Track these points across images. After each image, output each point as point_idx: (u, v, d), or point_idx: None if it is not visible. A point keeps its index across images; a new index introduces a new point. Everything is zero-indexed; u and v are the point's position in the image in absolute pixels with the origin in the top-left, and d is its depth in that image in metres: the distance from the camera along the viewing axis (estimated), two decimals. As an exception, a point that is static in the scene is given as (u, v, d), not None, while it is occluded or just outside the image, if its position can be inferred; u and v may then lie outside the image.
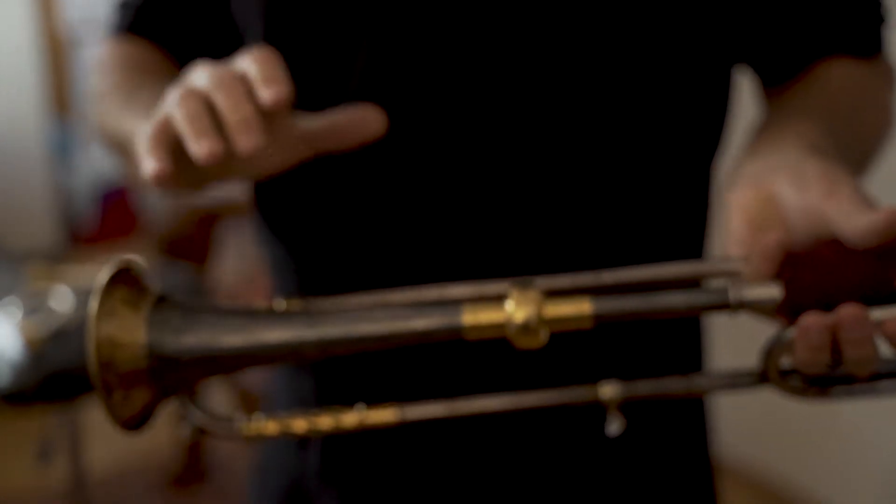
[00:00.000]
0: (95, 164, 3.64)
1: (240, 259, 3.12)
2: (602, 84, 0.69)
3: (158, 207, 2.87)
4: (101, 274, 0.52)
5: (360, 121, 0.65)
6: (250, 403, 2.31)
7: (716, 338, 0.88)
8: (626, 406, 0.55)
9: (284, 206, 0.78)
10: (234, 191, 2.42)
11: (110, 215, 3.72)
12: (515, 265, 0.70)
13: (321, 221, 0.75)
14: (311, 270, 0.78)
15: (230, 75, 0.57)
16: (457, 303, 0.51)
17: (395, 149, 0.70)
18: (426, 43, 0.69)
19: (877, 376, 0.52)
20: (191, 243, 2.53)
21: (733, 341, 1.27)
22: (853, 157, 0.67)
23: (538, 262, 0.70)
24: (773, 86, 0.77)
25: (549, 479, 0.78)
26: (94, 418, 0.46)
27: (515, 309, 0.49)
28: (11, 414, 1.84)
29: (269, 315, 0.52)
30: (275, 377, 0.90)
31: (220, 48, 0.75)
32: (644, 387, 0.54)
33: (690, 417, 0.83)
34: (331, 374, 0.79)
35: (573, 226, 0.72)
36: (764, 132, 0.67)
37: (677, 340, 0.81)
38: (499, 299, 0.50)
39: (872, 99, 0.74)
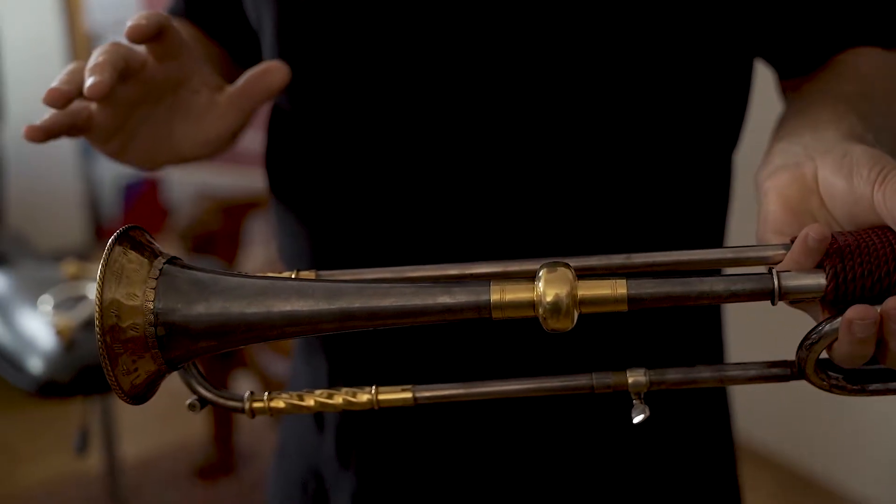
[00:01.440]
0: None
1: (268, 251, 3.09)
2: (625, 74, 0.66)
3: (185, 202, 2.82)
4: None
5: (265, 72, 0.68)
6: (273, 390, 2.29)
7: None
8: (650, 391, 0.51)
9: (298, 199, 0.76)
10: (260, 182, 2.39)
11: (136, 212, 3.74)
12: (537, 252, 0.67)
13: (334, 213, 0.73)
14: (324, 263, 0.75)
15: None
16: (484, 280, 0.46)
17: (407, 138, 0.68)
18: (437, 30, 0.66)
19: None
20: (219, 237, 2.47)
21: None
22: (888, 142, 0.64)
23: (560, 247, 0.67)
24: (792, 77, 0.74)
25: (566, 464, 0.75)
26: (129, 409, 0.45)
27: (546, 288, 0.44)
28: (50, 406, 1.86)
29: (287, 285, 0.47)
30: (294, 362, 0.88)
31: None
32: (673, 375, 0.50)
33: (712, 400, 0.81)
34: (343, 356, 0.76)
35: (596, 211, 0.69)
36: (797, 116, 0.63)
37: (699, 327, 0.78)
38: (527, 279, 0.46)
39: None
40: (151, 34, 0.60)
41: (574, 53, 0.65)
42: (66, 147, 3.47)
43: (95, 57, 0.58)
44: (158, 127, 0.67)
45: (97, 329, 0.46)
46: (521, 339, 0.63)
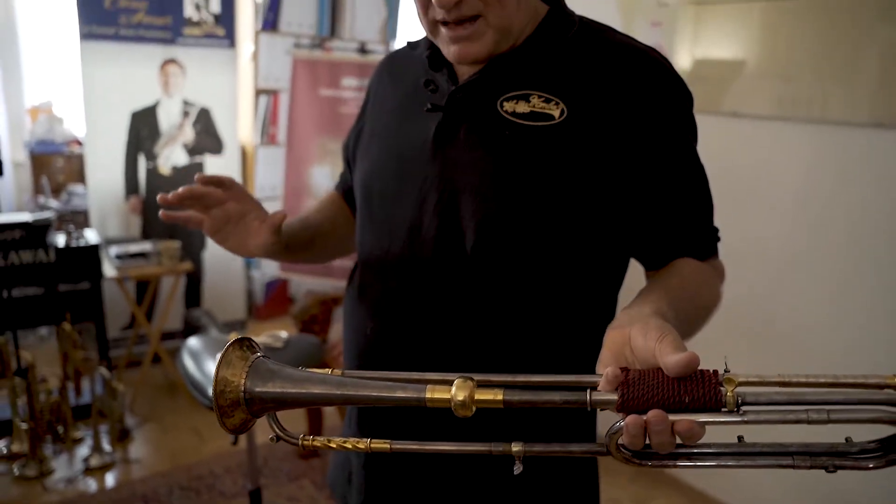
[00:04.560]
0: (267, 269, 3.82)
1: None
2: (539, 272, 0.73)
3: (300, 295, 2.98)
4: (229, 341, 0.56)
5: (270, 217, 0.85)
6: (317, 423, 2.38)
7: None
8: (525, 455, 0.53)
9: (353, 312, 0.85)
10: (342, 285, 2.52)
11: (272, 301, 3.85)
12: (478, 364, 0.73)
13: (368, 330, 0.81)
14: (364, 351, 0.82)
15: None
16: (424, 384, 0.52)
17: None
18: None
19: (673, 454, 0.52)
20: (317, 319, 2.59)
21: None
22: (690, 320, 0.69)
23: (488, 365, 0.73)
24: (650, 270, 0.79)
25: (489, 475, 0.79)
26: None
27: (457, 392, 0.50)
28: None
29: (317, 378, 0.54)
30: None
31: None
32: (538, 448, 0.53)
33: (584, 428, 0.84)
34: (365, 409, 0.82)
35: (513, 347, 0.75)
36: (639, 296, 0.69)
37: (569, 417, 0.81)
38: (450, 385, 0.51)
39: (707, 285, 0.76)
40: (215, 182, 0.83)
41: (506, 261, 0.73)
42: (236, 262, 3.60)
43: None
44: (237, 235, 0.85)
45: (213, 394, 0.53)
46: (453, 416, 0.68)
